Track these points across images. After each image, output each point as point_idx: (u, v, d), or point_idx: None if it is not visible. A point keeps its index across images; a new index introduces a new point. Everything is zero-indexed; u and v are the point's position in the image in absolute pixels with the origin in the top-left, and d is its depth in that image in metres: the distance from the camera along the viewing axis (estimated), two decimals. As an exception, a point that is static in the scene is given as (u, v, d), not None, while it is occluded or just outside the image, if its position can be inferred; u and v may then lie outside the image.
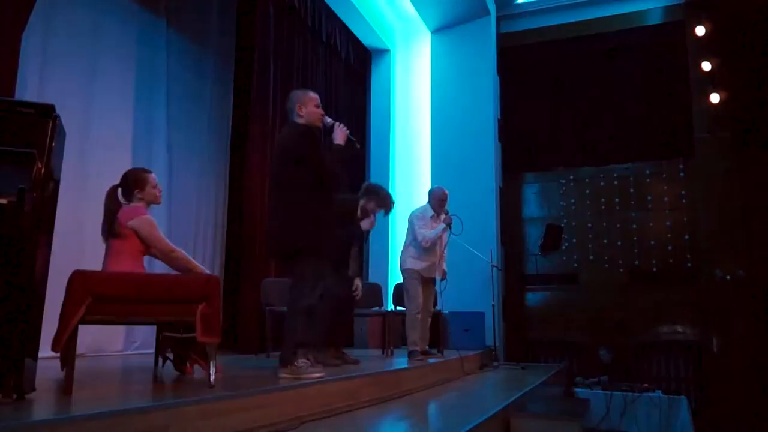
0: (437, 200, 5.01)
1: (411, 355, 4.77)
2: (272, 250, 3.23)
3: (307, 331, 3.01)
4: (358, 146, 3.29)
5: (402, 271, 5.03)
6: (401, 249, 5.11)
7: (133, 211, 2.87)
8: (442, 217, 4.95)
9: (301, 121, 3.21)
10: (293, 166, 3.08)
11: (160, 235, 2.90)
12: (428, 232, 4.87)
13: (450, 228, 4.90)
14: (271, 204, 3.27)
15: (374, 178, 8.31)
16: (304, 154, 3.08)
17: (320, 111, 3.25)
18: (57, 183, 2.31)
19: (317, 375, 2.95)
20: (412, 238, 4.95)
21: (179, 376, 3.09)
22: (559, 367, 6.58)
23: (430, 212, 5.01)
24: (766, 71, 7.13)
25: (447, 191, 5.08)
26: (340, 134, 3.23)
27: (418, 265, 4.92)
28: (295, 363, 2.96)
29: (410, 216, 5.06)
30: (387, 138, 8.38)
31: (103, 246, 2.89)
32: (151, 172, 3.05)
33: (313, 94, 3.28)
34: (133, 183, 2.97)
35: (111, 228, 2.83)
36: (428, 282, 5.04)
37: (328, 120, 3.27)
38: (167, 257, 2.93)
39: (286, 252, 3.09)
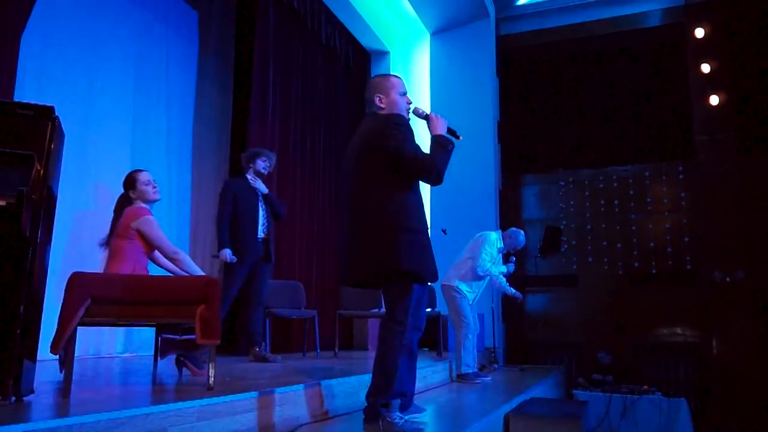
0: (516, 245, 4.97)
1: (466, 377, 4.67)
2: (360, 275, 2.46)
3: (394, 373, 2.36)
4: (460, 138, 2.54)
5: (449, 287, 4.71)
6: (458, 261, 4.78)
7: (137, 211, 2.88)
8: (509, 259, 5.12)
9: (383, 113, 2.53)
10: (384, 167, 2.41)
11: (163, 236, 2.90)
12: (492, 266, 4.75)
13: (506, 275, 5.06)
14: (354, 218, 2.48)
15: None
16: (400, 149, 2.37)
17: (407, 99, 2.57)
18: (56, 184, 2.31)
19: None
20: (474, 261, 4.66)
21: (178, 378, 3.08)
22: (559, 369, 6.59)
23: (502, 245, 4.88)
24: (766, 73, 7.14)
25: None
26: (439, 124, 2.50)
27: (470, 293, 4.75)
28: (389, 419, 2.35)
29: (482, 237, 4.80)
30: (386, 140, 8.35)
31: (101, 247, 2.89)
32: (142, 170, 3.06)
33: (395, 79, 2.58)
34: (126, 185, 3.01)
35: (112, 233, 2.85)
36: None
37: (421, 110, 2.58)
38: (169, 259, 2.94)
39: (379, 278, 2.42)
